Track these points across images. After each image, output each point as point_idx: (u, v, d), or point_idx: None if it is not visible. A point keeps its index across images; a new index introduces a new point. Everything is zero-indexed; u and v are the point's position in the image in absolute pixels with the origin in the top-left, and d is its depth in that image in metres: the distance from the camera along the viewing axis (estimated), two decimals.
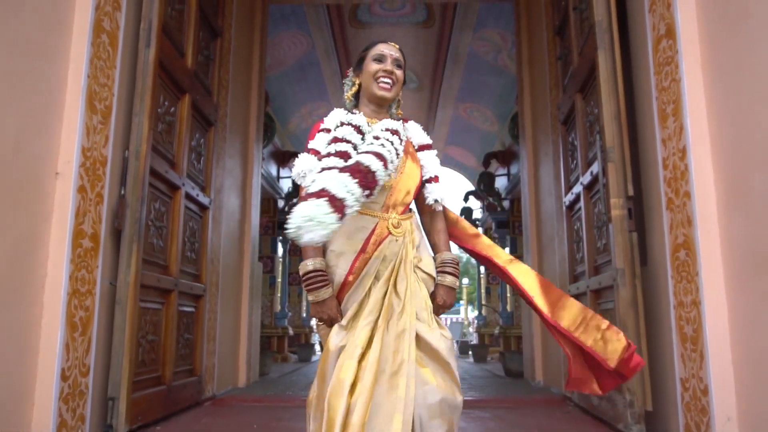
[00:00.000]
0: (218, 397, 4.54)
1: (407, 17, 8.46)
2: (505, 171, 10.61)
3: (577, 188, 3.95)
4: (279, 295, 11.25)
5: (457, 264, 1.93)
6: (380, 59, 1.94)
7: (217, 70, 4.62)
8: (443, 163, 13.59)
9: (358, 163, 1.68)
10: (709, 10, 2.66)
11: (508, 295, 11.23)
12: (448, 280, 1.90)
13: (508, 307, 10.92)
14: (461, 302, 26.97)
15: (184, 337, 3.97)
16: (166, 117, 3.61)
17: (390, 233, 1.83)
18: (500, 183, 10.89)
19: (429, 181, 1.98)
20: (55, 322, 2.58)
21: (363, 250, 1.80)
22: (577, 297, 4.13)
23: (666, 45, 2.89)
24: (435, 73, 9.84)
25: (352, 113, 1.94)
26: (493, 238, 12.47)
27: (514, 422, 3.60)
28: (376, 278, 1.80)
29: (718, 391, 2.48)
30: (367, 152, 1.74)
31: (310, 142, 1.90)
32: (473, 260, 17.31)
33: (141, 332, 3.26)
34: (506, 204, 10.82)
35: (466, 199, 12.53)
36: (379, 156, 1.72)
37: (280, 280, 11.54)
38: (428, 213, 2.01)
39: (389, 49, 1.96)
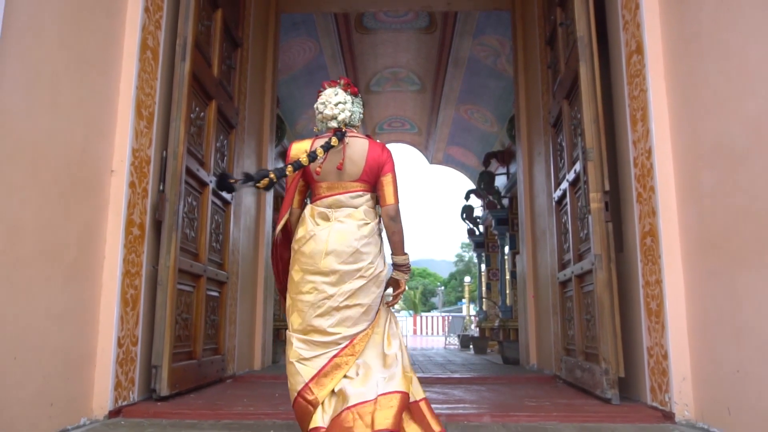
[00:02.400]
0: (238, 376, 4.99)
1: (410, 23, 8.91)
2: (504, 170, 10.99)
3: (564, 185, 4.39)
4: None
5: None
6: None
7: (237, 77, 5.08)
8: (445, 162, 14.12)
9: None
10: (670, 30, 3.10)
11: (507, 291, 11.65)
12: None
13: (507, 301, 11.34)
14: (463, 300, 27.43)
15: (211, 318, 4.42)
16: (196, 121, 4.06)
17: None
18: (500, 182, 11.29)
19: None
20: (111, 298, 3.03)
21: None
22: (564, 283, 4.57)
23: (636, 59, 3.33)
24: (437, 76, 10.28)
25: None
26: (493, 235, 12.92)
27: (506, 392, 4.04)
28: None
29: (676, 356, 2.92)
30: None
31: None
32: (475, 259, 17.52)
33: (177, 310, 3.70)
34: (506, 202, 11.21)
35: (467, 197, 12.96)
36: None
37: None
38: None
39: None
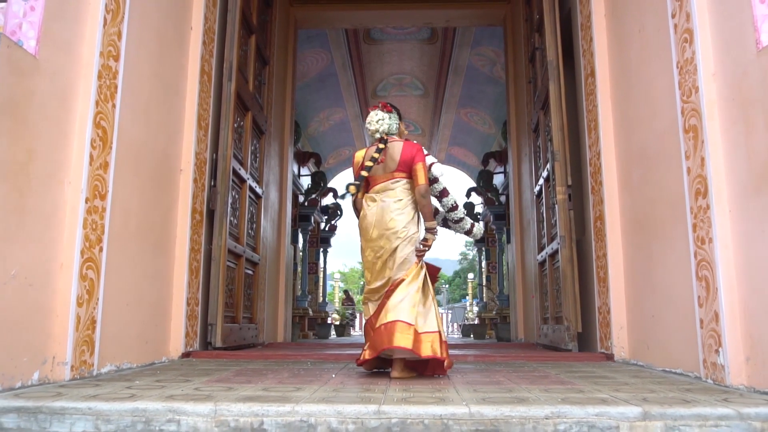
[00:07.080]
0: (267, 344, 5.89)
1: (414, 35, 9.79)
2: (502, 169, 11.82)
3: (541, 181, 5.27)
4: (299, 282, 12.61)
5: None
6: None
7: (266, 90, 5.98)
8: (447, 161, 14.98)
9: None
10: (614, 60, 3.98)
11: (505, 282, 12.51)
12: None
13: (505, 291, 12.20)
14: (467, 298, 28.37)
15: (247, 292, 5.33)
16: (238, 129, 4.96)
17: None
18: (498, 180, 12.11)
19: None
20: (182, 268, 3.93)
21: None
22: (541, 263, 5.45)
23: (590, 81, 4.21)
24: (438, 83, 11.16)
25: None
26: (492, 230, 13.77)
27: (492, 352, 4.92)
28: None
29: (615, 311, 3.80)
30: None
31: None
32: (477, 258, 18.38)
33: (225, 282, 4.60)
34: (503, 199, 12.03)
35: (468, 195, 13.81)
36: None
37: (300, 269, 12.89)
38: None
39: None
